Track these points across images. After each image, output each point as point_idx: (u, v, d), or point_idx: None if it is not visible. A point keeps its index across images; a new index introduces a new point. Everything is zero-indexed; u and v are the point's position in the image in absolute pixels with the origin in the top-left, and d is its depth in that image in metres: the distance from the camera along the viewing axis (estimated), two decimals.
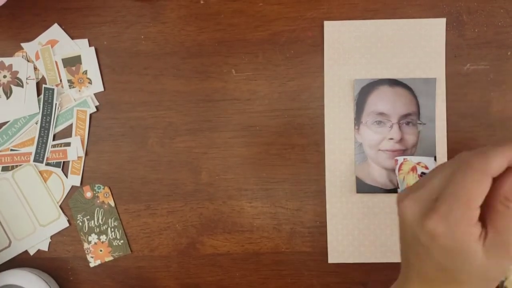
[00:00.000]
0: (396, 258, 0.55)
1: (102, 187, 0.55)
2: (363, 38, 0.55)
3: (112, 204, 0.55)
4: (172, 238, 0.56)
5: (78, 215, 0.55)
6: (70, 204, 0.55)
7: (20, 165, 0.56)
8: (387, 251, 0.55)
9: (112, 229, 0.55)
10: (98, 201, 0.55)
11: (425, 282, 0.38)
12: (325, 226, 0.55)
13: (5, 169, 0.56)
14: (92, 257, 0.55)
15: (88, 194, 0.55)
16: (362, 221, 0.55)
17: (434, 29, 0.55)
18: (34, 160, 0.56)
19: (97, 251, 0.55)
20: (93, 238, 0.55)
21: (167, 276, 0.56)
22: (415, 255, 0.38)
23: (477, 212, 0.34)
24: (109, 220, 0.55)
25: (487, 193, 0.34)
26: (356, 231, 0.55)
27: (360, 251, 0.54)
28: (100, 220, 0.55)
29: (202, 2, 0.56)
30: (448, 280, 0.37)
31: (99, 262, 0.56)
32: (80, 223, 0.55)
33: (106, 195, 0.55)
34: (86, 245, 0.55)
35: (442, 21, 0.55)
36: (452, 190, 0.35)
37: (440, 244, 0.35)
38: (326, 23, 0.56)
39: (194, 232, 0.56)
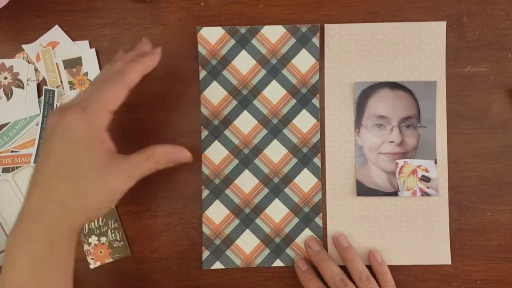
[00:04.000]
0: (396, 260, 0.55)
1: None
2: (364, 41, 0.55)
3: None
4: (172, 240, 0.56)
5: None
6: None
7: (20, 166, 0.56)
8: (387, 253, 0.55)
9: (113, 231, 0.55)
10: None
11: (42, 182, 0.41)
12: (325, 229, 0.55)
13: (6, 170, 0.56)
14: (92, 258, 0.56)
15: None
16: (362, 224, 0.55)
17: (435, 32, 0.55)
18: (35, 162, 0.56)
19: (97, 253, 0.55)
20: (93, 239, 0.55)
21: (167, 278, 0.56)
22: (45, 156, 0.42)
23: (110, 115, 0.44)
24: (109, 221, 0.55)
25: (122, 100, 0.44)
26: (356, 234, 0.55)
27: (360, 254, 0.55)
28: (100, 222, 0.55)
29: (202, 4, 0.56)
30: (64, 174, 0.41)
31: (99, 264, 0.56)
32: None
33: None
34: (86, 247, 0.55)
35: (443, 24, 0.55)
36: (94, 95, 0.44)
37: (75, 133, 0.42)
38: (326, 26, 0.56)
39: (194, 234, 0.56)
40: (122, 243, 0.55)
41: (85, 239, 0.55)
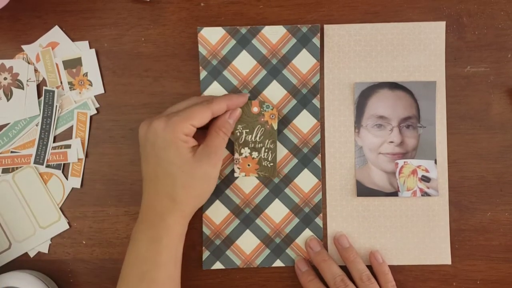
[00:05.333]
0: (396, 260, 0.55)
1: (270, 107, 0.55)
2: (363, 41, 0.55)
3: (275, 127, 0.55)
4: None
5: (239, 126, 0.55)
6: None
7: (20, 167, 0.56)
8: (387, 253, 0.55)
9: (266, 150, 0.55)
10: (263, 119, 0.55)
11: (149, 180, 0.51)
12: (326, 229, 0.55)
13: (6, 171, 0.56)
14: (238, 168, 0.55)
15: (255, 109, 0.55)
16: (362, 224, 0.55)
17: (434, 32, 0.55)
18: (35, 162, 0.56)
19: (245, 165, 0.55)
20: (245, 151, 0.55)
21: None
22: (144, 161, 0.51)
23: (192, 128, 0.50)
24: (267, 140, 0.55)
25: (204, 121, 0.50)
26: (356, 234, 0.55)
27: (360, 254, 0.55)
28: (257, 137, 0.55)
29: (202, 4, 0.56)
30: (163, 173, 0.49)
31: (243, 175, 0.55)
32: (238, 134, 0.55)
33: (272, 116, 0.55)
34: (236, 155, 0.55)
35: (442, 24, 0.55)
36: (181, 111, 0.50)
37: (161, 137, 0.49)
38: (326, 26, 0.56)
39: (195, 234, 0.56)
40: (271, 164, 0.55)
41: (238, 148, 0.55)
